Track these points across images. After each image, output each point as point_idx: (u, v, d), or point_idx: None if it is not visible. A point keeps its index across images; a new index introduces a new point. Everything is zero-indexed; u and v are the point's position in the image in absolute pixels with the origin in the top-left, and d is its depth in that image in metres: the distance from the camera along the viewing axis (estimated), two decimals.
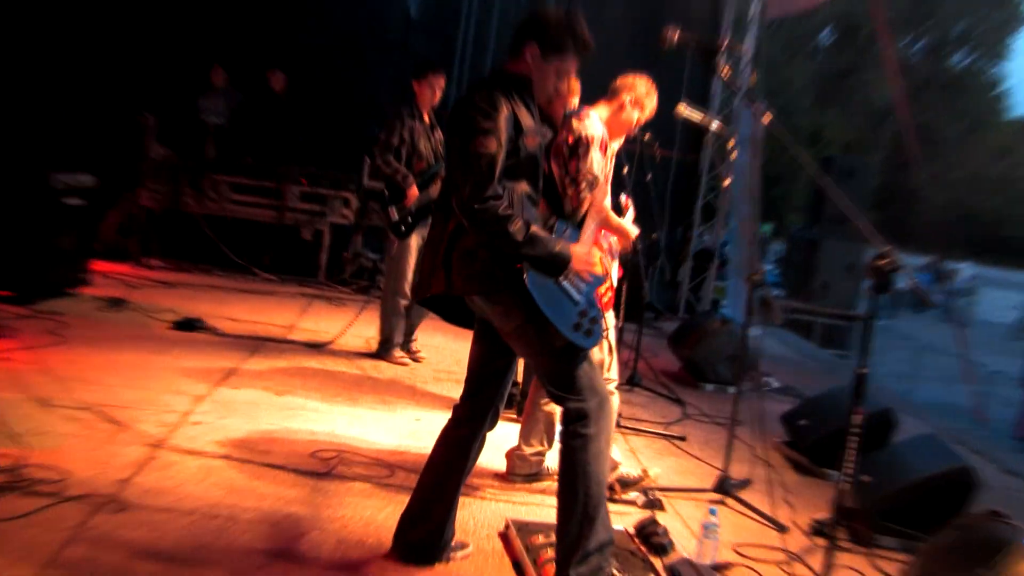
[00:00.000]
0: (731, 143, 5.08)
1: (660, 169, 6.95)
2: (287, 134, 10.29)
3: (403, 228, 6.64)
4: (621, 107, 4.58)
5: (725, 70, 3.09)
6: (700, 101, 11.86)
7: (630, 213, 4.72)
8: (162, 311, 7.29)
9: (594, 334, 3.38)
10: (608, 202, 4.49)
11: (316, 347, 6.95)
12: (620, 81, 4.62)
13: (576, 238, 3.58)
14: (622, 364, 7.15)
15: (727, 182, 5.26)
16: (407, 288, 6.74)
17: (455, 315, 3.61)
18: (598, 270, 3.53)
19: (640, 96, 4.57)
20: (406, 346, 7.02)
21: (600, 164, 4.29)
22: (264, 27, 10.77)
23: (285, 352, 6.71)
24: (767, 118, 2.98)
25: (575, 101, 4.89)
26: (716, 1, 11.97)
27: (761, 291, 4.96)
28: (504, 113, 3.27)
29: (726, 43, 11.30)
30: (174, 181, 9.61)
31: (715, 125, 5.25)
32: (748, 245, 4.73)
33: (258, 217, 9.83)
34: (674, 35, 3.05)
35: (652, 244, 7.18)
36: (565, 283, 3.36)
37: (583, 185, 4.15)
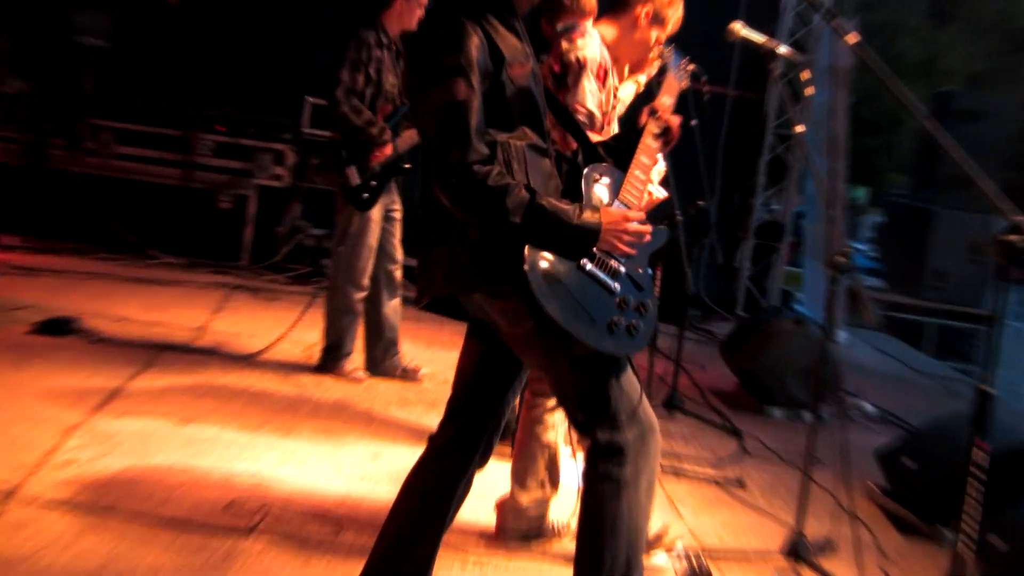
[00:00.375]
0: (805, 75, 5.03)
1: (710, 112, 6.93)
2: (194, 62, 10.26)
3: (365, 196, 6.62)
4: (634, 23, 4.57)
5: None
6: (765, 18, 11.88)
7: (656, 170, 4.71)
8: (20, 308, 7.29)
9: (639, 332, 3.33)
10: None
11: (238, 358, 6.95)
12: None
13: (618, 186, 3.53)
14: (658, 379, 7.16)
15: (800, 129, 5.24)
16: (365, 278, 6.73)
17: (449, 304, 3.61)
18: (647, 238, 3.43)
19: (661, 5, 4.56)
20: (390, 363, 7.03)
21: (596, 97, 4.30)
22: None
23: (193, 364, 6.71)
24: (853, 38, 2.94)
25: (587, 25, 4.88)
26: None
27: (849, 280, 4.95)
28: (474, 40, 3.23)
29: None
30: (36, 127, 9.58)
31: (784, 50, 5.22)
32: (831, 217, 4.70)
33: (156, 178, 9.83)
34: None
35: (698, 215, 7.15)
36: (591, 267, 3.30)
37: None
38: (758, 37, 5.13)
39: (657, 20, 4.57)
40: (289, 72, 10.34)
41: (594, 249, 3.29)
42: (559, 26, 4.61)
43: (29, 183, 9.64)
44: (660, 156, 4.90)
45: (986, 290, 13.64)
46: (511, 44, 3.34)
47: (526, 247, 3.17)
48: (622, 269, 3.36)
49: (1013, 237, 3.05)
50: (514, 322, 3.31)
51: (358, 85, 6.60)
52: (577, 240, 3.24)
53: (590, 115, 4.30)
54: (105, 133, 9.67)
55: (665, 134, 3.75)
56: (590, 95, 4.29)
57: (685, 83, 4.29)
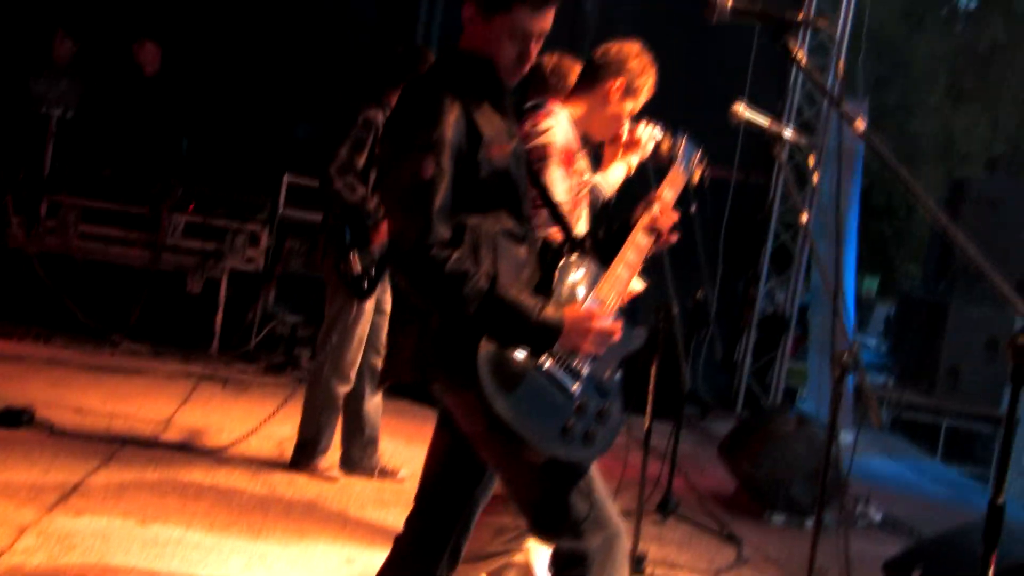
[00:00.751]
0: (812, 160, 5.10)
1: (711, 196, 7.01)
2: (166, 136, 10.35)
3: (366, 284, 6.66)
4: (605, 97, 4.64)
5: (801, 54, 3.11)
6: (772, 99, 12.03)
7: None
8: None
9: (597, 440, 3.31)
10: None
11: (205, 453, 6.95)
12: (601, 56, 4.68)
13: (594, 281, 3.54)
14: (651, 482, 7.16)
15: (805, 218, 5.29)
16: (354, 371, 6.76)
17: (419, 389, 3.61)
18: (612, 331, 3.40)
19: (632, 77, 4.64)
20: (368, 462, 7.03)
21: (562, 184, 4.35)
22: None
23: (157, 460, 6.70)
24: (860, 125, 3.01)
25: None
26: None
27: (856, 378, 4.97)
28: (451, 118, 3.27)
29: (809, 12, 11.48)
30: None
31: (789, 133, 5.28)
32: (838, 309, 4.73)
33: (122, 259, 9.85)
34: (724, 3, 3.09)
35: (697, 306, 7.21)
36: (550, 366, 3.29)
37: (536, 220, 4.21)
38: (762, 119, 5.18)
39: (629, 92, 4.65)
40: (266, 147, 10.41)
41: (557, 347, 3.28)
42: (527, 104, 4.66)
43: None
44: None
45: (1004, 390, 13.64)
46: (493, 122, 3.38)
47: (483, 340, 3.18)
48: (585, 371, 3.34)
49: None
50: (469, 418, 3.31)
51: (356, 164, 6.63)
52: (536, 337, 3.24)
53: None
54: (68, 210, 9.69)
55: (656, 235, 3.76)
56: (557, 183, 4.33)
57: (694, 178, 4.31)
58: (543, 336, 3.25)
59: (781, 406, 10.43)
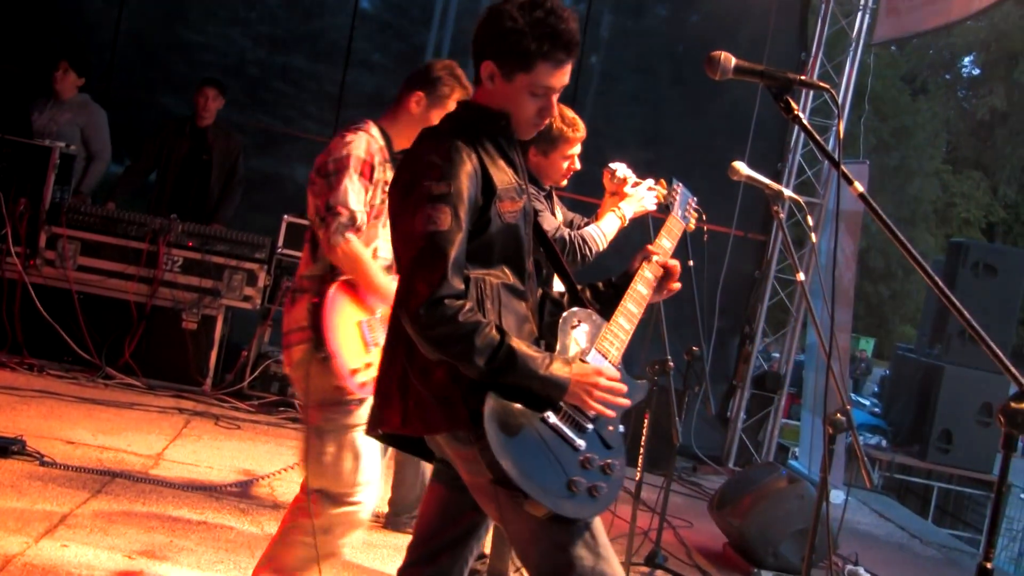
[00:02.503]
0: (810, 220, 5.15)
1: (709, 252, 7.03)
2: (168, 173, 10.38)
3: None
4: (408, 108, 4.80)
5: (801, 114, 3.14)
6: (774, 159, 12.10)
7: None
8: None
9: (602, 494, 3.30)
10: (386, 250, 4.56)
11: (195, 490, 6.94)
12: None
13: (596, 334, 3.54)
14: (641, 534, 7.16)
15: (800, 276, 5.30)
16: None
17: (416, 444, 3.61)
18: (620, 399, 3.40)
19: (438, 87, 4.81)
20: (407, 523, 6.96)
21: (361, 197, 4.42)
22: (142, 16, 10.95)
23: (145, 494, 6.69)
24: (857, 189, 3.03)
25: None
26: (803, 15, 12.29)
27: (848, 438, 4.99)
28: (467, 169, 3.29)
29: (811, 74, 11.57)
30: None
31: (788, 193, 5.32)
32: (833, 369, 4.75)
33: (119, 293, 9.84)
34: (727, 62, 3.12)
35: (691, 361, 7.22)
36: (556, 420, 3.29)
37: (333, 226, 4.31)
38: (760, 178, 5.22)
39: (435, 103, 4.78)
40: (266, 187, 10.44)
41: (563, 402, 3.29)
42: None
43: None
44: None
45: (996, 454, 13.63)
46: (505, 177, 3.39)
47: (489, 393, 3.17)
48: (590, 425, 3.35)
49: (1022, 405, 2.86)
50: (473, 471, 3.29)
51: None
52: (543, 391, 3.24)
53: (352, 215, 4.37)
54: (66, 243, 9.69)
55: (664, 280, 3.77)
56: (352, 194, 4.39)
57: (691, 226, 4.32)
58: (550, 390, 3.25)
59: (772, 463, 10.41)
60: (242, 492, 7.09)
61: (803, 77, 3.13)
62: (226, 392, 9.89)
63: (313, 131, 11.96)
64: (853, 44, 12.00)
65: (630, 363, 4.91)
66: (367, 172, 4.44)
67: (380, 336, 4.45)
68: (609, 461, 3.36)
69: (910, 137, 38.71)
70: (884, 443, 15.20)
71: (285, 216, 10.07)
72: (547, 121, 3.56)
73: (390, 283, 4.47)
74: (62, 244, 9.69)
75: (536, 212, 3.76)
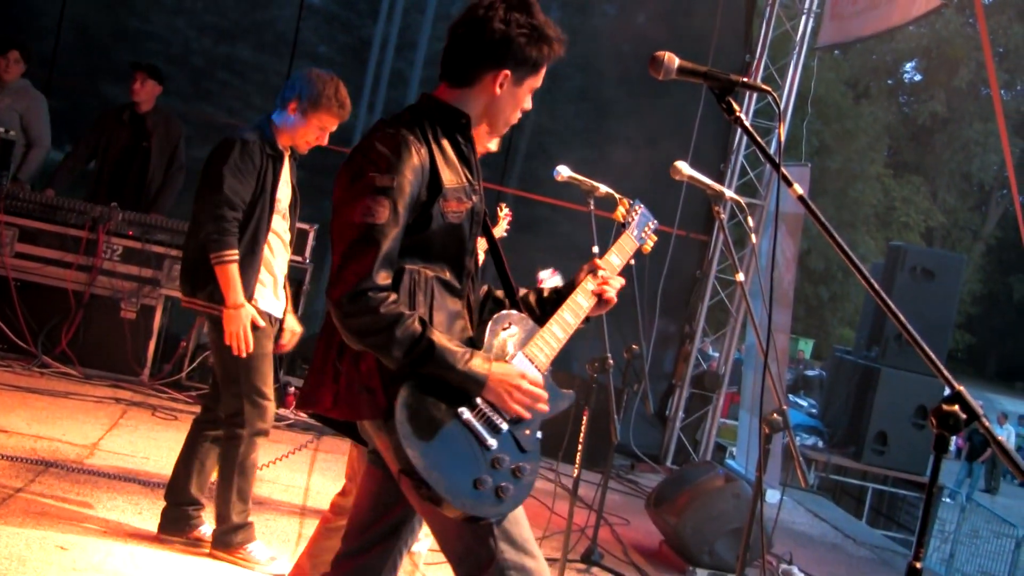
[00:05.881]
0: (749, 221, 5.15)
1: (651, 251, 7.04)
2: (109, 161, 10.29)
3: None
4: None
5: (743, 115, 3.14)
6: (716, 160, 12.16)
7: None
8: None
9: (509, 496, 3.29)
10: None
11: (129, 480, 6.87)
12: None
13: (527, 339, 3.55)
14: (577, 531, 7.17)
15: (739, 277, 5.32)
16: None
17: (350, 427, 3.62)
18: (540, 405, 3.42)
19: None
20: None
21: None
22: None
23: (80, 484, 6.63)
24: (796, 191, 3.04)
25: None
26: (749, 18, 12.35)
27: (785, 438, 5.01)
28: (413, 164, 3.30)
29: (755, 76, 11.63)
30: None
31: (729, 193, 5.34)
32: (771, 370, 4.78)
33: (56, 281, 9.75)
34: (671, 62, 3.12)
35: (630, 360, 7.24)
36: (469, 417, 3.30)
37: None
38: (702, 178, 5.23)
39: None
40: (189, 175, 10.35)
41: (479, 400, 3.31)
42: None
43: None
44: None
45: (930, 456, 13.70)
46: (455, 176, 3.41)
47: (404, 383, 3.20)
48: (505, 426, 3.35)
49: (954, 408, 3.00)
50: (394, 459, 3.30)
51: None
52: (461, 385, 3.26)
53: None
54: (4, 229, 9.59)
55: (601, 303, 3.77)
56: None
57: (647, 247, 4.30)
58: (467, 385, 3.27)
59: (709, 462, 10.45)
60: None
61: (745, 79, 3.13)
62: (164, 383, 9.82)
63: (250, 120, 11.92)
64: (797, 47, 12.07)
65: (569, 360, 4.95)
66: None
67: None
68: (521, 464, 3.36)
69: (852, 141, 39.03)
70: (820, 444, 15.32)
71: None
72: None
73: None
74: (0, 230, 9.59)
75: (485, 212, 3.74)
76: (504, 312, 3.56)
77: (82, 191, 10.45)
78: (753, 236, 5.46)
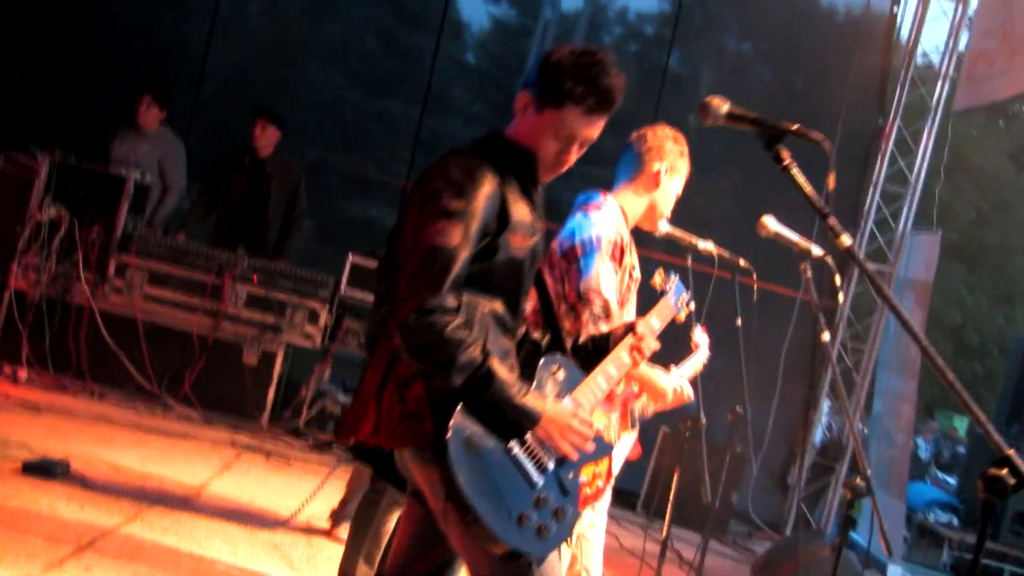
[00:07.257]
0: (836, 280, 5.02)
1: (765, 313, 6.98)
2: (234, 210, 10.54)
3: None
4: (653, 180, 4.66)
5: (793, 165, 3.10)
6: (846, 224, 11.99)
7: (697, 358, 4.76)
8: (13, 445, 7.32)
9: (551, 535, 3.29)
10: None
11: (230, 521, 6.95)
12: (639, 141, 4.72)
13: (574, 384, 3.56)
14: None
15: (824, 336, 5.17)
16: None
17: (392, 471, 3.59)
18: (588, 445, 3.44)
19: (675, 158, 4.67)
20: None
21: (613, 282, 4.32)
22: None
23: (180, 525, 6.68)
24: (845, 240, 3.00)
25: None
26: (883, 82, 12.22)
27: (864, 500, 4.91)
28: (486, 192, 3.31)
29: (888, 140, 11.50)
30: (65, 257, 9.77)
31: (817, 251, 5.13)
32: (855, 433, 4.72)
33: (182, 324, 9.96)
34: (719, 107, 3.06)
35: (735, 422, 7.12)
36: (519, 452, 3.29)
37: (585, 316, 4.18)
38: (789, 234, 5.07)
39: (673, 170, 4.69)
40: (332, 224, 10.51)
41: (529, 436, 3.29)
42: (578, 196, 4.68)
43: (49, 316, 9.71)
44: (704, 348, 5.01)
45: None
46: (523, 212, 3.41)
47: (457, 411, 3.18)
48: (551, 465, 3.35)
49: (1002, 472, 2.78)
50: (434, 494, 3.29)
51: None
52: (514, 418, 3.25)
53: (605, 305, 4.29)
54: (134, 271, 9.82)
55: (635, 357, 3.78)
56: (605, 282, 4.32)
57: (680, 317, 4.29)
58: (521, 419, 3.27)
59: (819, 530, 10.27)
60: (277, 527, 7.08)
61: (797, 127, 3.09)
62: (282, 429, 9.94)
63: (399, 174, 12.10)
64: (932, 112, 11.91)
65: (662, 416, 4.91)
66: (617, 255, 4.43)
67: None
68: (563, 506, 3.36)
69: (1012, 213, 38.13)
70: (955, 521, 14.92)
71: (350, 255, 10.11)
72: (564, 169, 3.58)
73: (655, 374, 4.53)
74: (130, 273, 9.83)
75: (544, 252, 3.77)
76: (554, 355, 3.57)
77: (203, 235, 10.67)
78: (840, 296, 5.36)
